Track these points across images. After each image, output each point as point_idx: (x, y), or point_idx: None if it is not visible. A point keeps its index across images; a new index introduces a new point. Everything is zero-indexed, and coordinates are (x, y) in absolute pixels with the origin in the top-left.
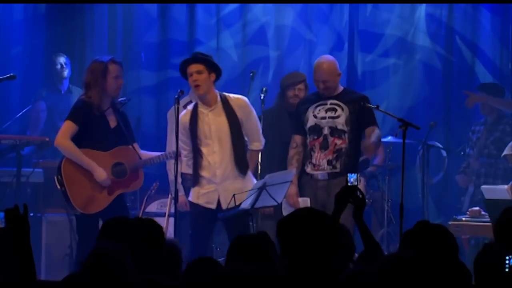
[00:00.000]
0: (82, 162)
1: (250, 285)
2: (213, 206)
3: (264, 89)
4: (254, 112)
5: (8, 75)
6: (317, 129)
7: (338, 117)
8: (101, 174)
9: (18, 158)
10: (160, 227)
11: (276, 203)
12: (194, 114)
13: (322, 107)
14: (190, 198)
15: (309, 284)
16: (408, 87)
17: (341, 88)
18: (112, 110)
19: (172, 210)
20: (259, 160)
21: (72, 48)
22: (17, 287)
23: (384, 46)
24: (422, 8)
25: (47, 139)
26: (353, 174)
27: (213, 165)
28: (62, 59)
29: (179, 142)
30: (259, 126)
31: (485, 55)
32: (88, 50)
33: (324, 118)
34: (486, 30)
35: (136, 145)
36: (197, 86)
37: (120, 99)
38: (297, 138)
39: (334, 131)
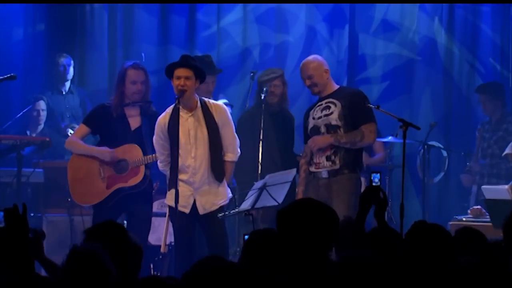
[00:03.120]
0: (84, 150)
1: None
2: (186, 210)
3: (264, 89)
4: (232, 123)
5: (8, 75)
6: (316, 130)
7: (331, 113)
8: (104, 151)
9: (18, 158)
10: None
11: (276, 203)
12: (174, 117)
13: (319, 107)
14: (166, 201)
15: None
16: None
17: (336, 87)
18: (139, 112)
19: None
20: (260, 160)
21: (72, 48)
22: (15, 287)
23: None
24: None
25: (47, 139)
26: (376, 174)
27: (191, 170)
28: (65, 60)
29: (157, 147)
30: (235, 137)
31: (486, 55)
32: (88, 50)
33: (320, 117)
34: (487, 30)
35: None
36: (183, 91)
37: (136, 102)
38: (306, 147)
39: (329, 127)
